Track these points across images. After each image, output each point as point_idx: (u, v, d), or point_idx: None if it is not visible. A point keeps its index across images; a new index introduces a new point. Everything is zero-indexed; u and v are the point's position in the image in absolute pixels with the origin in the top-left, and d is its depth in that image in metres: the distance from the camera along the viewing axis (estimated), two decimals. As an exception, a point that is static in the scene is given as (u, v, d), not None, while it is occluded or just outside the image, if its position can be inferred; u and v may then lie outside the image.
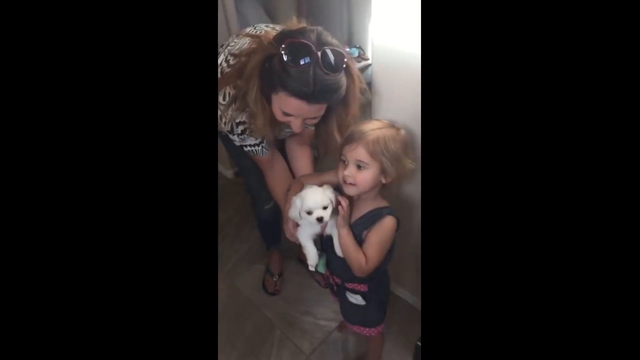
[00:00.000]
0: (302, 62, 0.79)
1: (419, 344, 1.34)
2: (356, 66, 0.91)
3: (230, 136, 1.04)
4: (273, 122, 0.94)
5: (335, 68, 0.82)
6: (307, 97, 0.82)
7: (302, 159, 1.18)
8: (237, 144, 1.06)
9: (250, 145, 1.06)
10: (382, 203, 1.00)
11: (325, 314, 1.56)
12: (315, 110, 0.88)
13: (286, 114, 0.88)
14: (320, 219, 0.91)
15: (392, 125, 0.94)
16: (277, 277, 1.67)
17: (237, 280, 1.73)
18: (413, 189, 1.23)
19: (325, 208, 0.91)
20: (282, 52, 0.79)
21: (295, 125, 0.90)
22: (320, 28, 0.84)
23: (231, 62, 0.98)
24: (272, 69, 0.83)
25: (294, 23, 0.90)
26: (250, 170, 1.23)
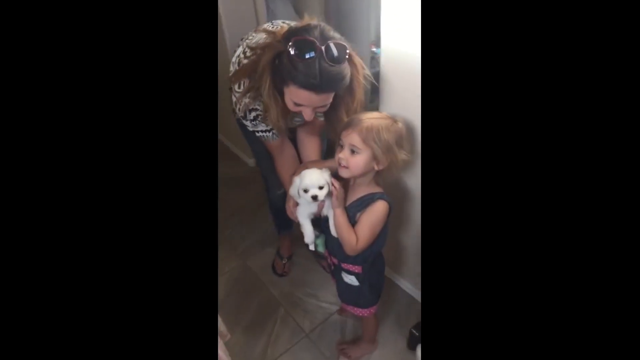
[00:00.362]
0: (307, 57, 0.88)
1: (413, 330, 1.40)
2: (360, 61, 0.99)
3: (244, 122, 1.14)
4: (285, 113, 1.04)
5: (338, 60, 0.90)
6: (315, 87, 0.90)
7: (310, 147, 1.26)
8: (250, 129, 1.16)
9: (261, 131, 1.15)
10: (376, 189, 1.07)
11: (327, 298, 1.64)
12: (324, 99, 0.96)
13: (297, 105, 0.97)
14: (314, 197, 1.00)
15: (390, 117, 1.01)
16: (286, 260, 1.77)
17: (249, 260, 1.84)
18: (415, 181, 1.29)
19: (321, 188, 1.00)
20: (290, 48, 0.88)
21: (307, 114, 0.99)
22: (323, 24, 0.93)
23: (248, 54, 1.08)
24: (282, 65, 0.92)
25: (305, 20, 0.99)
26: (263, 155, 1.33)
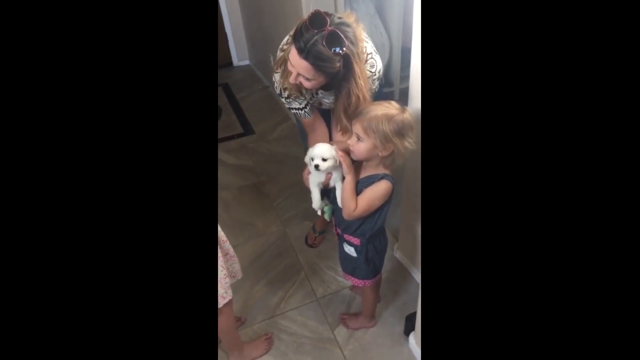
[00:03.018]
0: (314, 28, 1.02)
1: (407, 320, 1.49)
2: (362, 69, 1.11)
3: (281, 99, 1.33)
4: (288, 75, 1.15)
5: (329, 45, 1.02)
6: (300, 50, 1.04)
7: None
8: (286, 106, 1.35)
9: (295, 109, 1.34)
10: (383, 171, 1.18)
11: (345, 273, 1.79)
12: (306, 69, 1.07)
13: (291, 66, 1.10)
14: (316, 166, 1.16)
15: (398, 107, 1.11)
16: (318, 234, 1.95)
17: (288, 227, 2.05)
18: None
19: (324, 160, 1.15)
20: (307, 19, 1.04)
21: (292, 76, 1.12)
22: (347, 22, 1.07)
23: (290, 40, 1.26)
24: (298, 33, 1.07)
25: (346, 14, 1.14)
26: (302, 132, 1.52)
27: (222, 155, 2.61)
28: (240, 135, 2.84)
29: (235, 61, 3.86)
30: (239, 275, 1.35)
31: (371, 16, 2.38)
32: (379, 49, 2.44)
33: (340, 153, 1.15)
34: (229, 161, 2.57)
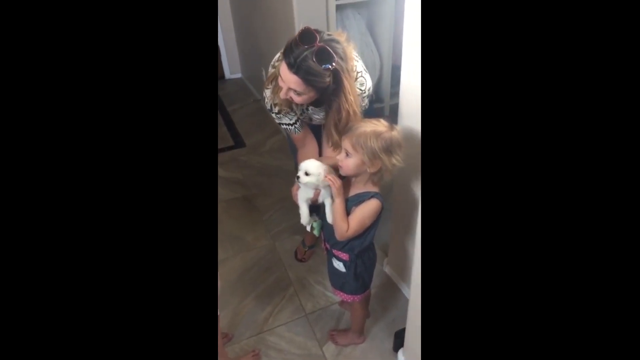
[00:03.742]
0: (304, 44, 1.04)
1: (396, 337, 1.48)
2: (352, 85, 1.13)
3: (271, 115, 1.34)
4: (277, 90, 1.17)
5: (319, 61, 1.04)
6: (290, 65, 1.06)
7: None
8: (277, 122, 1.36)
9: (285, 124, 1.35)
10: (372, 188, 1.19)
11: (334, 289, 1.78)
12: (296, 83, 1.08)
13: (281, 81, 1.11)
14: (297, 178, 1.17)
15: (387, 125, 1.13)
16: (308, 249, 1.94)
17: (277, 241, 2.04)
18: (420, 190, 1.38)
19: (307, 174, 1.16)
20: (297, 36, 1.06)
21: (283, 92, 1.13)
22: (337, 39, 1.09)
23: (281, 57, 1.28)
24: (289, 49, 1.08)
25: (337, 33, 1.16)
26: (292, 147, 1.53)
27: (212, 167, 2.60)
28: (230, 148, 2.84)
29: (227, 74, 3.88)
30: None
31: (362, 34, 2.42)
32: (370, 66, 2.48)
33: (329, 177, 1.15)
34: (220, 174, 2.56)
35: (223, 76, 3.87)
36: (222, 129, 3.06)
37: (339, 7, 2.27)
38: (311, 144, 1.43)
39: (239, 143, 2.89)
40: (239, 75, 3.90)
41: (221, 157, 2.71)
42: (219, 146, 2.84)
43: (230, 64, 3.84)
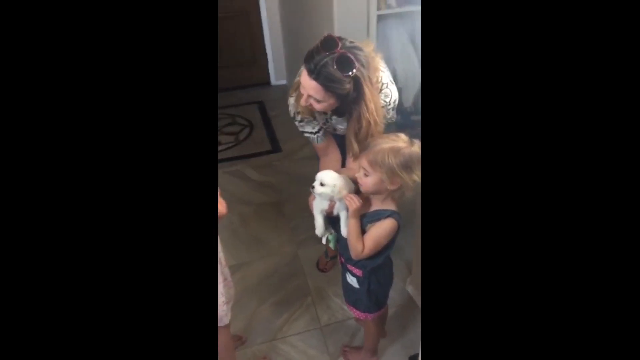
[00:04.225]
0: (325, 51, 1.03)
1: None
2: (373, 94, 1.10)
3: (295, 123, 1.34)
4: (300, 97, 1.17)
5: (340, 68, 1.02)
6: (310, 71, 1.05)
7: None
8: (300, 130, 1.35)
9: (308, 132, 1.34)
10: (390, 206, 1.15)
11: (353, 303, 1.73)
12: (316, 90, 1.07)
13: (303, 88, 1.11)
14: (312, 187, 1.15)
15: (406, 140, 1.08)
16: (330, 259, 1.91)
17: (301, 250, 2.04)
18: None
19: (322, 185, 1.14)
20: (320, 42, 1.05)
21: (304, 98, 1.12)
22: (360, 47, 1.07)
23: None
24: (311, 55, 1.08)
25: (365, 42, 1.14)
26: (316, 156, 1.51)
27: (247, 171, 2.65)
28: (268, 152, 2.88)
29: (273, 80, 3.96)
30: (232, 301, 1.34)
31: (404, 45, 2.38)
32: (410, 77, 2.42)
33: (349, 197, 1.13)
34: (253, 177, 2.60)
35: (269, 82, 3.96)
36: (262, 134, 3.12)
37: (381, 18, 2.24)
38: (333, 154, 1.41)
39: (275, 148, 2.93)
40: (284, 81, 3.97)
41: (257, 161, 2.76)
42: (257, 150, 2.89)
43: (277, 71, 3.92)
